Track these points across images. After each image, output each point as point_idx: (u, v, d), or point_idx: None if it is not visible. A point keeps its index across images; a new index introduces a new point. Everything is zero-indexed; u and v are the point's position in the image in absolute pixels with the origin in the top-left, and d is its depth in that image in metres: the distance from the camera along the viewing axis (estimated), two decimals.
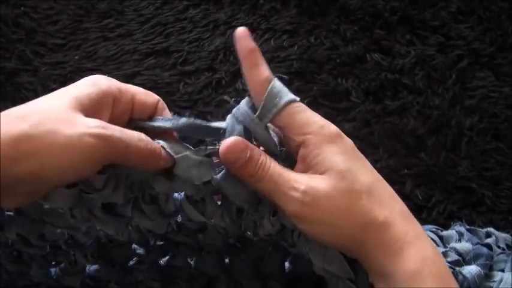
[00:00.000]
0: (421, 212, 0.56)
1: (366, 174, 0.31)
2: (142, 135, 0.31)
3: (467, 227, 0.39)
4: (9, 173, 0.26)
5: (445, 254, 0.36)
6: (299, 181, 0.30)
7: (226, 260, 0.41)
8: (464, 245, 0.36)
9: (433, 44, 0.69)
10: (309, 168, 0.31)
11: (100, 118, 0.30)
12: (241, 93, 0.62)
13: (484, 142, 0.61)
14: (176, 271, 0.41)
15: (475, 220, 0.55)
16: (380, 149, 0.60)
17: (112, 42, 0.69)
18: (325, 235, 0.30)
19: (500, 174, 0.58)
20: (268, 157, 0.31)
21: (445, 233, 0.40)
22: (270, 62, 0.67)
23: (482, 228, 0.40)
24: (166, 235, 0.38)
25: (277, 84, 0.31)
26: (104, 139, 0.28)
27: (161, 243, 0.40)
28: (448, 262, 0.35)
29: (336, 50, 0.68)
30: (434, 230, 0.40)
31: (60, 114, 0.28)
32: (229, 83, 0.65)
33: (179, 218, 0.37)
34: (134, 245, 0.40)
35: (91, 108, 0.30)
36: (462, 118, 0.62)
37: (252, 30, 0.69)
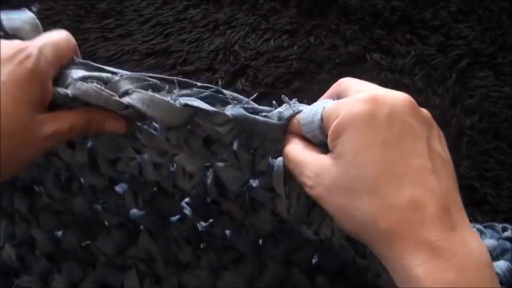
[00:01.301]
0: None
1: (374, 165, 0.27)
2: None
3: (483, 224, 0.39)
4: None
5: None
6: (309, 167, 0.29)
7: (260, 241, 0.41)
8: (489, 242, 0.36)
9: (433, 43, 0.69)
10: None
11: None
12: (241, 93, 0.62)
13: (484, 142, 0.61)
14: (210, 238, 0.41)
15: (478, 218, 0.55)
16: None
17: (112, 42, 0.69)
18: (339, 223, 0.29)
19: (501, 174, 0.58)
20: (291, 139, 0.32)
21: None
22: (270, 62, 0.67)
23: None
24: (219, 200, 0.38)
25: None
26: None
27: (214, 206, 0.40)
28: None
29: (336, 50, 0.68)
30: None
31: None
32: (229, 83, 0.65)
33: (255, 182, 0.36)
34: (182, 203, 0.40)
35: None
36: (462, 118, 0.62)
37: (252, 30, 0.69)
